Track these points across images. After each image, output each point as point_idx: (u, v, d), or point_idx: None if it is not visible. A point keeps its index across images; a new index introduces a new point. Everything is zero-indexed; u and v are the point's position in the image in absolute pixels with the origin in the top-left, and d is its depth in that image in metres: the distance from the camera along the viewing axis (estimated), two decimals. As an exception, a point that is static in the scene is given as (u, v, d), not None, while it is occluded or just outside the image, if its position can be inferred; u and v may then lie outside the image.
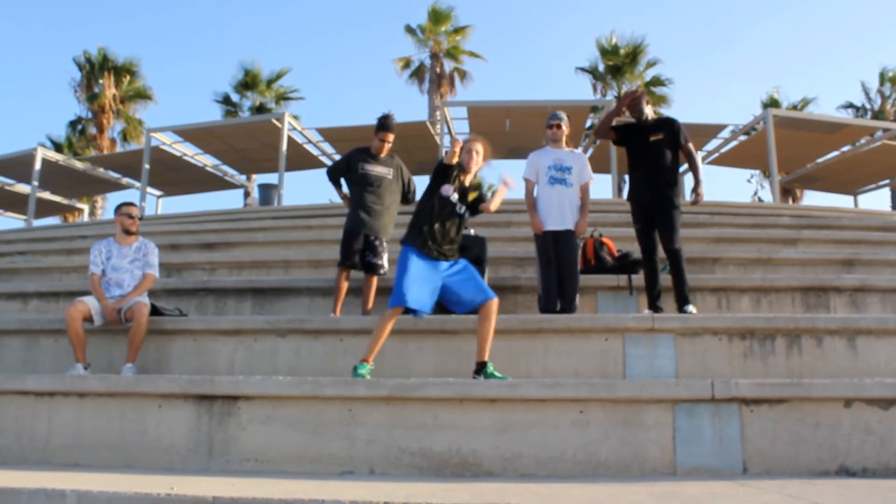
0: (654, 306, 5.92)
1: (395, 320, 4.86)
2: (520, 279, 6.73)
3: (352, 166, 6.61)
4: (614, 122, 6.31)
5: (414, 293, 4.77)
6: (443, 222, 4.99)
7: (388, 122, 6.61)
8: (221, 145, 18.74)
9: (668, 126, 6.13)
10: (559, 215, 6.00)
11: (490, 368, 4.71)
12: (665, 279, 6.14)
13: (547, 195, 6.07)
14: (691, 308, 5.76)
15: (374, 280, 6.44)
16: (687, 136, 6.12)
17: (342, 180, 6.75)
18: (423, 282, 4.84)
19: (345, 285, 6.40)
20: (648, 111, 6.26)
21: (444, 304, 5.04)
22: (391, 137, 6.64)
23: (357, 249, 6.38)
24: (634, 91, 6.28)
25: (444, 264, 4.96)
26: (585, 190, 6.17)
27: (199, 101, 78.55)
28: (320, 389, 4.20)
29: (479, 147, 5.20)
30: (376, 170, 6.59)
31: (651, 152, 6.05)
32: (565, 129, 6.26)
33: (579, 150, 6.40)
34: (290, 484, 3.58)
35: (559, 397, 4.07)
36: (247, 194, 18.96)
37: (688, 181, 6.17)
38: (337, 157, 19.89)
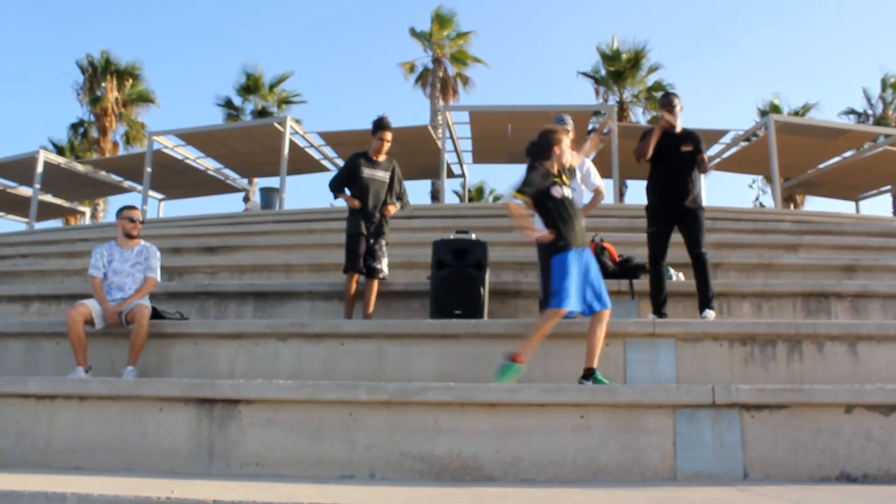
0: (660, 312, 5.92)
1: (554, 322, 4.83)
2: (521, 284, 6.73)
3: (352, 172, 6.63)
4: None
5: (573, 296, 4.78)
6: (571, 217, 4.99)
7: (384, 122, 6.65)
8: (223, 149, 18.77)
9: (695, 139, 6.18)
10: None
11: (599, 375, 4.74)
12: (669, 285, 6.15)
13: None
14: (710, 313, 5.80)
15: (376, 284, 6.47)
16: (704, 149, 6.25)
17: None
18: (578, 282, 4.84)
19: (354, 290, 6.45)
20: (679, 112, 6.25)
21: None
22: (390, 136, 6.68)
23: (361, 253, 6.41)
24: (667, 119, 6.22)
25: (587, 254, 5.00)
26: (599, 192, 6.36)
27: (202, 104, 78.66)
28: (321, 393, 4.20)
29: (565, 139, 5.15)
30: (376, 174, 6.63)
31: (682, 160, 6.11)
32: (571, 133, 6.25)
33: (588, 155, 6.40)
34: (291, 488, 3.58)
35: (560, 402, 4.07)
36: (246, 199, 19.00)
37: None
38: (339, 161, 20.00)
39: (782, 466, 3.90)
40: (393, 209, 6.74)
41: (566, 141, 5.16)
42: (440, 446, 4.03)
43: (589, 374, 4.75)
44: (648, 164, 6.27)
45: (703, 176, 6.27)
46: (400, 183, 6.82)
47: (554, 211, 4.99)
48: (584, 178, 6.23)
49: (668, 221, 6.11)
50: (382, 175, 6.66)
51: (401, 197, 6.84)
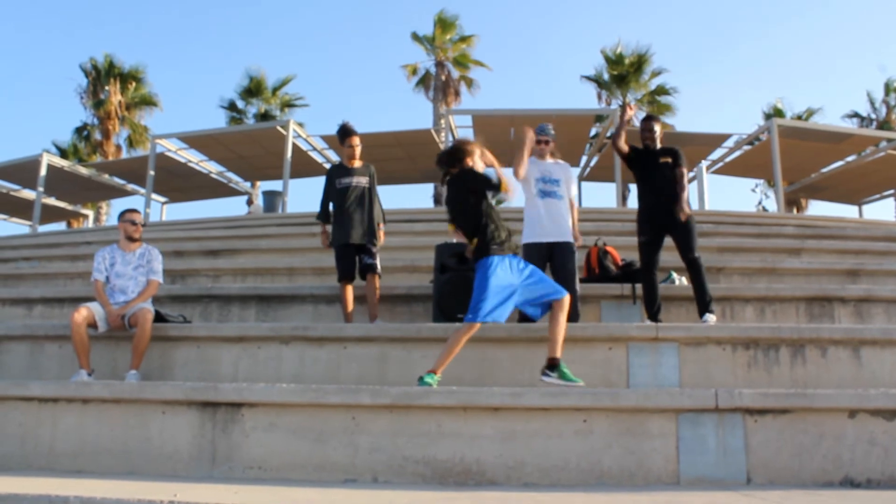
0: (655, 320, 5.94)
1: (470, 335, 4.74)
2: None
3: (331, 185, 6.63)
4: (627, 147, 6.30)
5: (490, 307, 4.68)
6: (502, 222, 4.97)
7: (347, 129, 6.64)
8: (226, 152, 18.80)
9: (675, 153, 6.26)
10: (555, 227, 6.01)
11: (563, 367, 4.64)
12: (667, 289, 6.16)
13: (537, 207, 6.08)
14: (710, 317, 5.81)
15: (377, 281, 6.43)
16: (685, 163, 6.26)
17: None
18: (502, 291, 4.75)
19: (350, 296, 6.43)
20: (658, 135, 6.33)
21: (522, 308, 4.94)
22: (357, 141, 6.67)
23: (352, 262, 6.42)
24: (624, 108, 6.39)
25: (520, 264, 4.90)
26: (571, 204, 6.26)
27: (205, 107, 78.90)
28: (324, 397, 4.19)
29: (476, 152, 5.11)
30: (352, 181, 6.59)
31: (662, 172, 6.18)
32: (551, 143, 6.30)
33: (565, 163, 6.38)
34: (294, 492, 3.58)
35: (563, 406, 4.06)
36: (249, 201, 19.04)
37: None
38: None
39: (786, 471, 3.89)
40: (382, 233, 6.72)
41: (478, 153, 5.08)
42: (443, 450, 4.03)
43: (553, 364, 4.65)
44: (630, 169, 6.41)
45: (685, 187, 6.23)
46: (375, 190, 6.76)
47: (493, 216, 4.94)
48: (566, 185, 6.22)
49: (656, 231, 6.17)
50: (361, 181, 6.62)
51: (380, 212, 6.76)
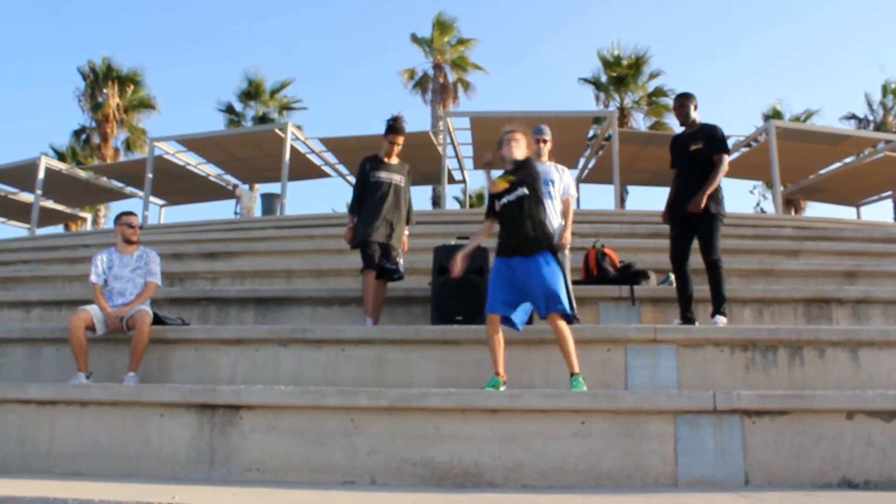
0: (685, 317, 5.88)
1: (496, 327, 4.78)
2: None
3: (361, 177, 6.45)
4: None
5: (494, 301, 4.78)
6: (507, 221, 4.94)
7: (397, 125, 6.43)
8: (224, 155, 18.81)
9: (709, 135, 5.99)
10: None
11: (575, 379, 4.61)
12: (665, 290, 6.13)
13: None
14: (720, 319, 5.74)
15: (385, 287, 6.37)
16: (722, 148, 5.95)
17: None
18: (501, 288, 4.80)
19: (374, 285, 6.21)
20: (695, 115, 6.12)
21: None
22: (401, 140, 6.48)
23: (375, 253, 6.22)
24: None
25: (520, 261, 4.82)
26: (568, 204, 6.16)
27: (203, 110, 78.94)
28: (322, 399, 4.20)
29: (517, 136, 5.23)
30: (387, 176, 6.42)
31: (691, 162, 5.99)
32: (549, 143, 6.28)
33: (562, 166, 6.28)
34: (292, 494, 3.58)
35: (561, 408, 4.07)
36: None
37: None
38: (340, 167, 20.04)
39: (784, 472, 3.90)
40: (405, 237, 6.59)
41: (519, 138, 5.24)
42: (441, 452, 4.03)
43: (571, 376, 4.69)
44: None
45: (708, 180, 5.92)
46: (409, 191, 6.59)
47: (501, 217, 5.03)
48: (561, 188, 6.18)
49: (682, 225, 6.02)
50: (394, 178, 6.44)
51: (408, 213, 6.59)
